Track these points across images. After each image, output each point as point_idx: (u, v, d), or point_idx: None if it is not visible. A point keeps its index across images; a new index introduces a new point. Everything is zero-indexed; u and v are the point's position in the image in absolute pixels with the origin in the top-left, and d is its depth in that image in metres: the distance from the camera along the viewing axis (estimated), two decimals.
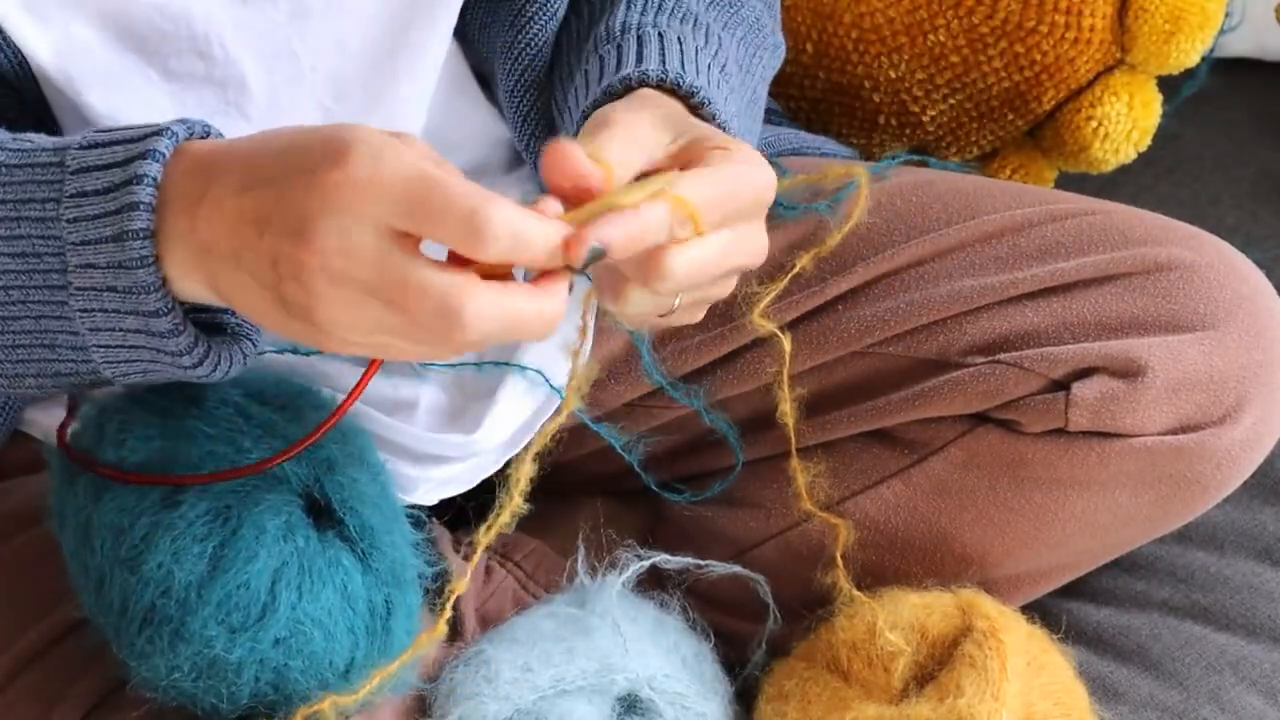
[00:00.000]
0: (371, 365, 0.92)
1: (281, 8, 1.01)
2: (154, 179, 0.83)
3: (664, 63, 0.97)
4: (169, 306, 0.85)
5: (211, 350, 0.88)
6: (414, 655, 0.91)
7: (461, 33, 1.12)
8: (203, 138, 0.86)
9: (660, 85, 0.96)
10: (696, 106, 0.96)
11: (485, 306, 0.78)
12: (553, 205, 0.81)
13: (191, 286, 0.85)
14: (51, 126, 1.01)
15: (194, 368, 0.88)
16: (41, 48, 0.97)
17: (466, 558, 1.18)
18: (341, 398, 1.02)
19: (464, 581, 0.88)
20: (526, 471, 0.87)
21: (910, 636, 1.07)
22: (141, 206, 0.83)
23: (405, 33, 1.05)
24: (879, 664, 1.07)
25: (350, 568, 0.96)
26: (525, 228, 0.78)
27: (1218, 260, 1.12)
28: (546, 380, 1.12)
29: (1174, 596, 1.21)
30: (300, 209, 0.79)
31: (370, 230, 0.78)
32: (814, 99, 1.47)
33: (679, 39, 1.01)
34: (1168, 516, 1.13)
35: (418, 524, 1.03)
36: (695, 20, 1.05)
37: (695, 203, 0.83)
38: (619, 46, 1.00)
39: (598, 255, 0.80)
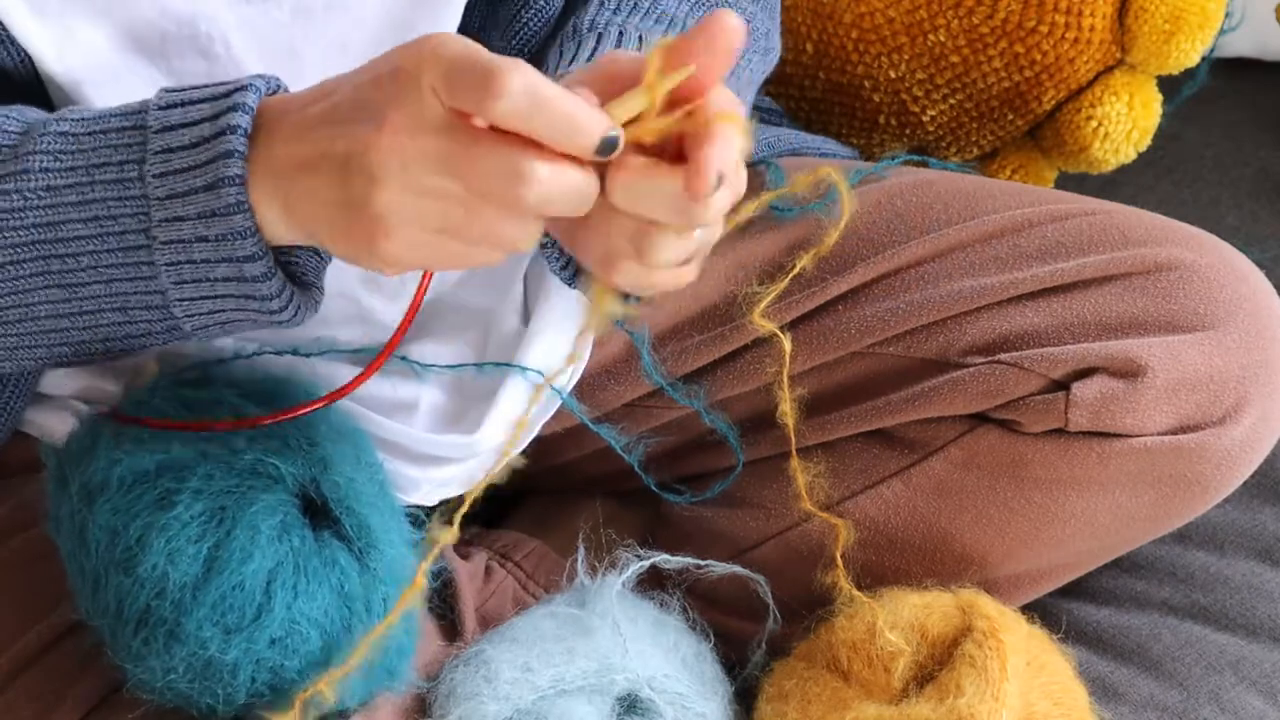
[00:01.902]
0: (393, 337, 0.92)
1: (284, 7, 1.01)
2: (245, 130, 0.85)
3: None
4: (262, 251, 0.87)
5: (295, 295, 0.90)
6: (401, 612, 0.90)
7: (463, 32, 1.12)
8: (273, 92, 0.88)
9: None
10: None
11: (548, 163, 0.79)
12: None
13: (272, 227, 0.86)
14: None
15: (280, 311, 0.89)
16: (45, 47, 0.97)
17: (465, 558, 1.18)
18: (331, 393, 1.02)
19: (451, 532, 0.87)
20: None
21: (910, 636, 1.07)
22: (236, 155, 0.85)
23: (408, 32, 1.04)
24: (879, 664, 1.07)
25: (347, 567, 0.96)
26: (543, 91, 0.79)
27: (1218, 260, 1.12)
28: (546, 381, 1.12)
29: (1174, 596, 1.21)
30: (373, 101, 0.81)
31: (436, 103, 0.80)
32: (814, 99, 1.47)
33: (640, 37, 1.01)
34: (1168, 516, 1.13)
35: (417, 524, 1.03)
36: (671, 20, 1.05)
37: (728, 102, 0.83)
38: (578, 43, 1.01)
39: (612, 145, 0.80)
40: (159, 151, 0.87)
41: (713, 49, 0.81)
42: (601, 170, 0.82)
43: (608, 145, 0.80)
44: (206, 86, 0.88)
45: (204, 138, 0.86)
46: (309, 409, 0.98)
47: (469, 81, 0.79)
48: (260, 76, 0.88)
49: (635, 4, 1.04)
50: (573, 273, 0.99)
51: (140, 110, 0.88)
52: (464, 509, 0.88)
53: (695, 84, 0.82)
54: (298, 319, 0.91)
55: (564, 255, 0.98)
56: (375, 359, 0.98)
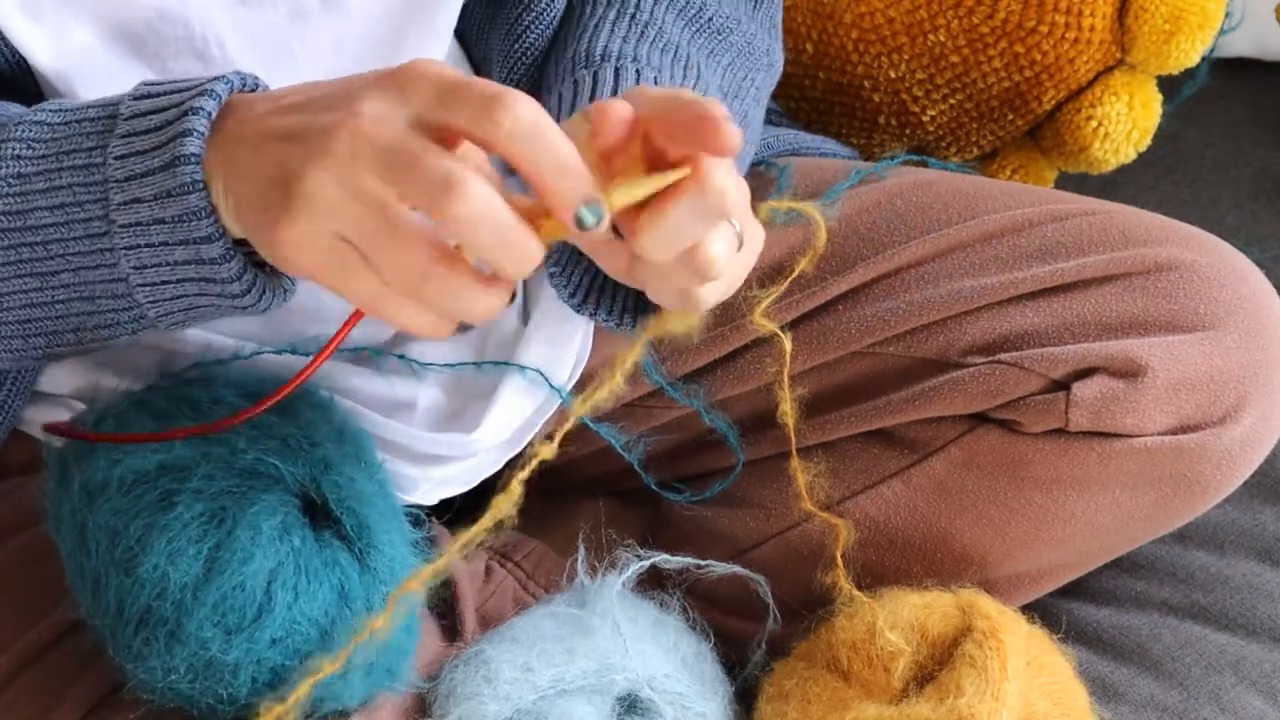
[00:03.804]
0: (355, 313, 0.91)
1: (280, 9, 1.01)
2: (208, 112, 0.85)
3: None
4: (219, 232, 0.85)
5: (258, 279, 0.88)
6: (393, 613, 0.90)
7: (462, 34, 1.12)
8: (252, 89, 0.88)
9: None
10: None
11: (485, 190, 0.78)
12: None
13: (227, 213, 0.85)
14: None
15: (242, 295, 0.88)
16: (40, 49, 0.97)
17: (466, 558, 1.18)
18: (339, 398, 1.02)
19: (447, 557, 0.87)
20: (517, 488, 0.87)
21: (910, 636, 1.07)
22: (194, 134, 0.84)
23: (404, 34, 1.05)
24: (879, 664, 1.07)
25: (347, 567, 0.96)
26: (545, 125, 0.78)
27: (1218, 260, 1.12)
28: (546, 380, 1.12)
29: (1174, 596, 1.21)
30: (354, 90, 0.81)
31: (406, 114, 0.79)
32: (814, 99, 1.47)
33: (655, 77, 1.01)
34: (1168, 516, 1.13)
35: (417, 523, 1.03)
36: (675, 51, 1.05)
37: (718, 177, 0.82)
38: (595, 75, 1.00)
39: (596, 219, 0.78)
40: (124, 135, 0.86)
41: (694, 136, 0.81)
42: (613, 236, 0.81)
43: (590, 217, 0.78)
44: (185, 79, 0.87)
45: (168, 121, 0.85)
46: (270, 401, 0.95)
47: (472, 96, 0.78)
48: (239, 73, 0.87)
49: (642, 33, 1.05)
50: (581, 300, 0.99)
51: (117, 101, 0.88)
52: (477, 529, 0.88)
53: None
54: (262, 305, 0.89)
55: (572, 284, 0.98)
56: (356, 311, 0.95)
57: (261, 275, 0.89)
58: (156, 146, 0.85)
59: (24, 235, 0.88)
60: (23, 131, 0.88)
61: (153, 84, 0.88)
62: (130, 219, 0.86)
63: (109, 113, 0.87)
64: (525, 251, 0.79)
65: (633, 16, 1.06)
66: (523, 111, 0.78)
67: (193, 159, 0.84)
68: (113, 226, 0.86)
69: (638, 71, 1.01)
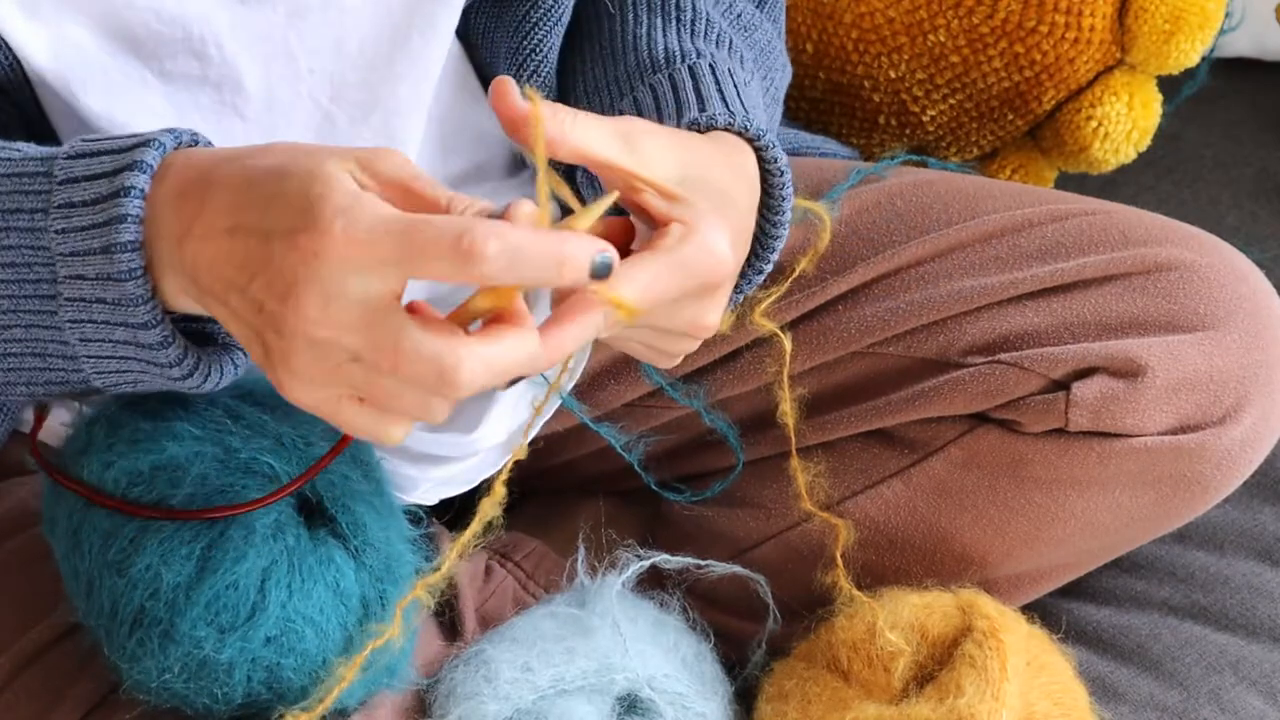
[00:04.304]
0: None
1: (279, 8, 1.01)
2: (141, 190, 0.83)
3: (725, 103, 0.96)
4: (158, 319, 0.84)
5: (202, 361, 0.87)
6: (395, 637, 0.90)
7: (464, 35, 1.12)
8: (191, 145, 0.86)
9: (728, 129, 0.95)
10: (759, 150, 0.95)
11: (478, 362, 0.77)
12: (525, 206, 0.80)
13: (183, 302, 0.85)
14: (46, 130, 1.01)
15: (184, 379, 0.87)
16: (37, 49, 0.97)
17: (466, 558, 1.18)
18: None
19: (445, 570, 0.87)
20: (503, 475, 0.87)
21: (910, 636, 1.07)
22: (129, 219, 0.82)
23: (405, 34, 1.05)
24: (879, 664, 1.07)
25: (342, 564, 0.96)
26: (518, 242, 0.76)
27: (1218, 260, 1.12)
28: (547, 380, 1.12)
29: (1174, 596, 1.21)
30: (285, 272, 0.78)
31: (354, 296, 0.77)
32: (814, 99, 1.47)
33: (730, 70, 1.00)
34: (1168, 516, 1.13)
35: (416, 521, 1.03)
36: (729, 44, 1.04)
37: (632, 297, 0.82)
38: (671, 79, 0.99)
39: (606, 267, 0.78)
40: (60, 206, 0.84)
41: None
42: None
43: (602, 269, 0.78)
44: (116, 138, 0.85)
45: (101, 195, 0.83)
46: (306, 479, 0.96)
47: (439, 253, 0.76)
48: (170, 131, 0.85)
49: (692, 28, 1.04)
50: None
51: (52, 157, 0.86)
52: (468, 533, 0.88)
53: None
54: (206, 385, 0.88)
55: None
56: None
57: (207, 353, 0.88)
58: (93, 225, 0.83)
59: None
60: None
61: (86, 140, 0.86)
62: (75, 294, 0.85)
63: (45, 169, 0.85)
64: (533, 361, 0.80)
65: (678, 12, 1.05)
66: (494, 249, 0.76)
67: (129, 246, 0.82)
68: (60, 297, 0.85)
69: (712, 66, 1.00)
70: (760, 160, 0.95)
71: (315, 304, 0.77)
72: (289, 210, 0.78)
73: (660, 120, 0.97)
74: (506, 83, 0.81)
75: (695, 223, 0.86)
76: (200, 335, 0.89)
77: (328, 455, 0.95)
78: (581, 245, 0.78)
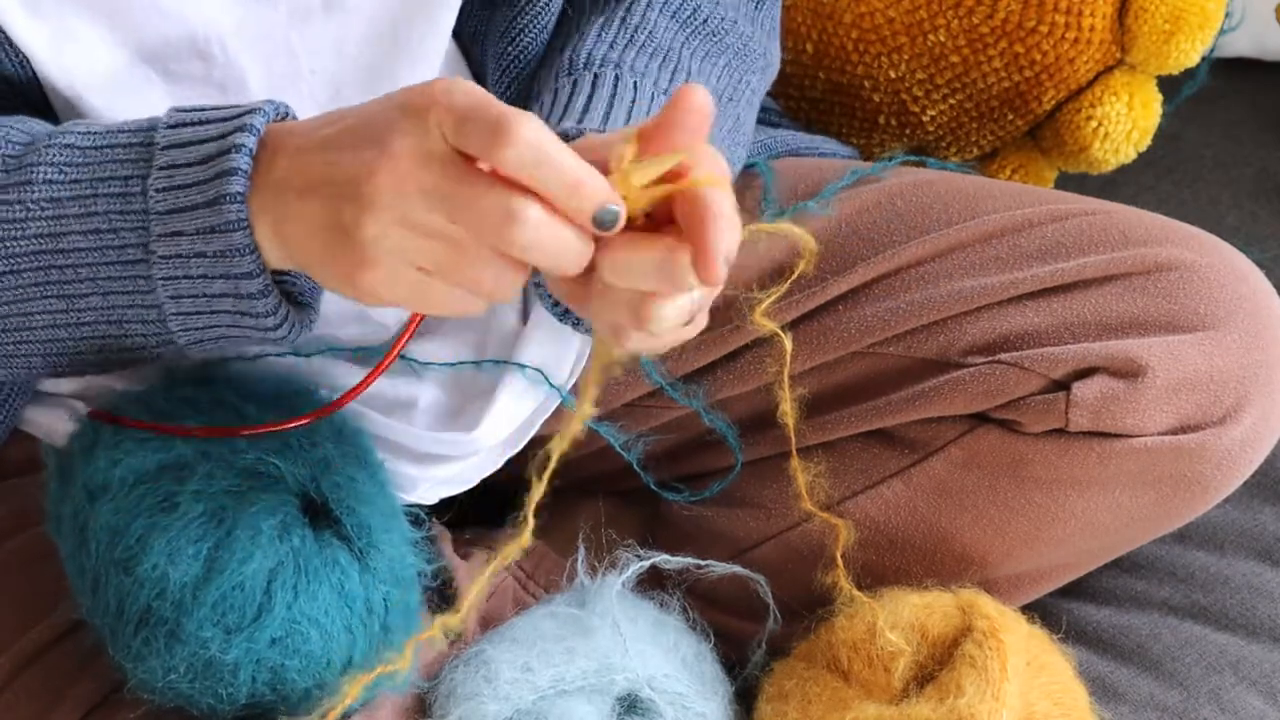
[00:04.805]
0: (398, 340, 0.95)
1: (281, 9, 1.01)
2: (250, 149, 0.86)
3: (606, 116, 0.99)
4: (260, 268, 0.87)
5: (290, 313, 0.91)
6: (411, 651, 0.91)
7: (459, 35, 1.12)
8: (282, 118, 0.89)
9: None
10: None
11: (537, 211, 0.80)
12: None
13: (264, 235, 0.87)
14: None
15: (275, 328, 0.90)
16: (43, 49, 0.97)
17: (465, 557, 1.18)
18: (336, 399, 1.02)
19: (472, 596, 0.88)
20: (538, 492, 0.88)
21: (910, 636, 1.07)
22: (239, 172, 0.86)
23: (405, 34, 1.05)
24: (879, 664, 1.07)
25: (347, 566, 0.96)
26: (549, 147, 0.79)
27: (1218, 260, 1.12)
28: (546, 379, 1.12)
29: (1174, 596, 1.21)
30: (379, 126, 0.82)
31: (441, 140, 0.81)
32: (814, 99, 1.47)
33: (635, 82, 1.01)
34: (1168, 516, 1.13)
35: (417, 522, 1.03)
36: (665, 55, 1.05)
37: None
38: (575, 83, 1.02)
39: (612, 218, 0.81)
40: (164, 167, 0.88)
41: (684, 128, 0.82)
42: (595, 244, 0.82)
43: (607, 217, 0.81)
44: (218, 108, 0.89)
45: (209, 155, 0.87)
46: (308, 419, 0.98)
47: (479, 125, 0.80)
48: (270, 102, 0.89)
49: (631, 38, 1.05)
50: (563, 310, 0.99)
51: (149, 128, 0.89)
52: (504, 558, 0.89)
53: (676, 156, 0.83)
54: (291, 337, 0.92)
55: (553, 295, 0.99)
56: (374, 369, 0.98)
57: (292, 309, 0.91)
58: (200, 182, 0.87)
59: (55, 258, 0.89)
60: (53, 155, 0.89)
61: (186, 111, 0.89)
62: (170, 250, 0.88)
63: (144, 139, 0.89)
64: (581, 252, 0.82)
65: (623, 20, 1.07)
66: (526, 138, 0.79)
67: (238, 197, 0.86)
68: (152, 256, 0.88)
69: (616, 77, 1.02)
70: None
71: (410, 140, 0.81)
72: (389, 99, 0.83)
73: (542, 111, 1.00)
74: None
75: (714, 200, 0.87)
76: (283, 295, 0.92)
77: (405, 332, 0.97)
78: (600, 186, 0.80)
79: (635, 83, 1.02)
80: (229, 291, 0.88)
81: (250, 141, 0.86)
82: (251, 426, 0.97)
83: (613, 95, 1.01)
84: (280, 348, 0.93)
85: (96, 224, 0.88)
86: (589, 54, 1.04)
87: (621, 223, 0.81)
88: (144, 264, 0.88)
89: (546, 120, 0.98)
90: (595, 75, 1.02)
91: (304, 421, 0.98)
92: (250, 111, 0.88)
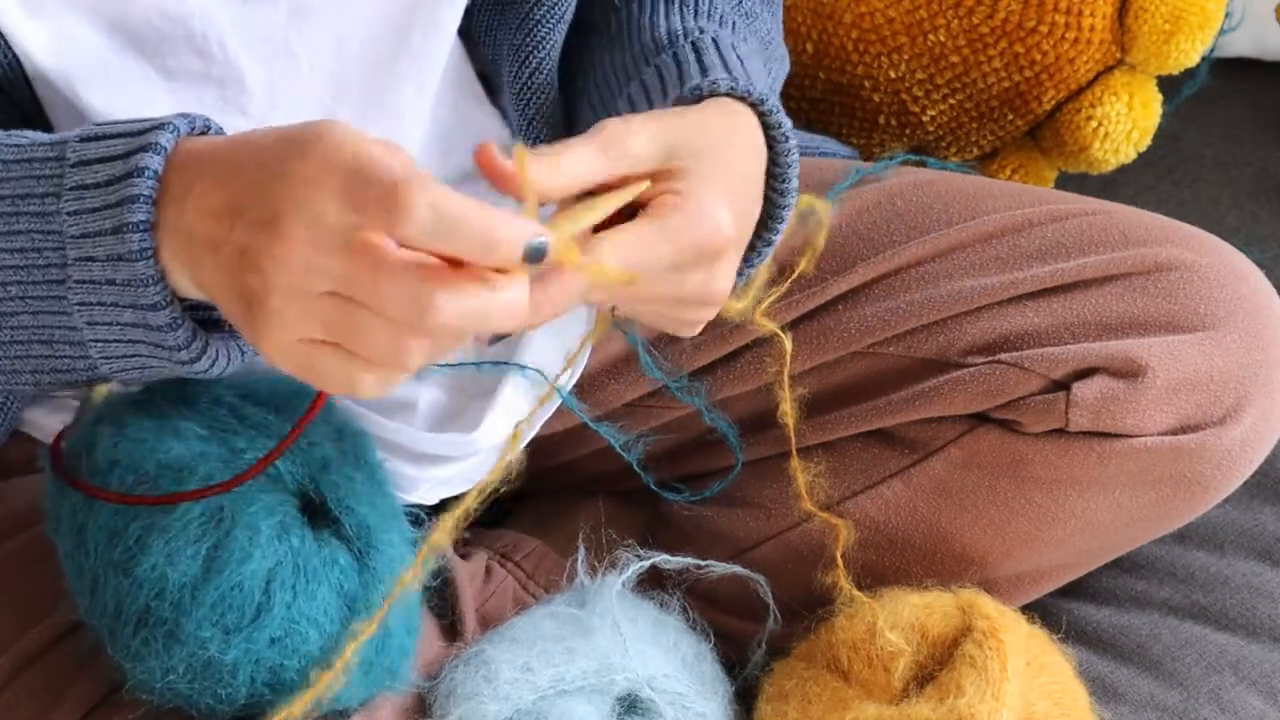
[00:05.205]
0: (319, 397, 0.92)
1: (281, 6, 1.01)
2: (155, 172, 0.83)
3: (728, 69, 0.96)
4: (167, 300, 0.85)
5: (209, 346, 0.88)
6: (397, 597, 0.90)
7: (466, 33, 1.12)
8: (203, 133, 0.86)
9: (730, 95, 0.95)
10: (762, 115, 0.95)
11: (458, 294, 0.77)
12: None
13: (181, 279, 0.85)
14: (43, 127, 1.01)
15: (191, 363, 0.87)
16: (40, 46, 0.97)
17: (465, 558, 1.18)
18: (340, 399, 1.02)
19: (445, 532, 0.87)
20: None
21: (910, 636, 1.07)
22: (141, 199, 0.83)
23: (407, 33, 1.05)
24: (879, 664, 1.07)
25: (346, 566, 0.96)
26: (451, 209, 0.76)
27: (1218, 260, 1.12)
28: (546, 380, 1.12)
29: (1174, 596, 1.21)
30: (271, 201, 0.79)
31: (337, 219, 0.78)
32: (814, 99, 1.47)
33: (733, 45, 1.00)
34: (1168, 516, 1.13)
35: (417, 522, 1.03)
36: (734, 26, 1.05)
37: (615, 261, 0.82)
38: (675, 56, 0.99)
39: (539, 251, 0.78)
40: (73, 188, 0.85)
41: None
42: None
43: (534, 255, 0.77)
44: (129, 121, 0.86)
45: (114, 177, 0.84)
46: (282, 449, 0.96)
47: (372, 199, 0.76)
48: (184, 116, 0.85)
49: (697, 7, 1.04)
50: None
51: (63, 141, 0.86)
52: (462, 510, 0.88)
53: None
54: (214, 370, 0.88)
55: None
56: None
57: (214, 338, 0.88)
58: (105, 206, 0.84)
59: None
60: None
61: (101, 125, 0.86)
62: (85, 276, 0.85)
63: (57, 153, 0.86)
64: (510, 311, 0.79)
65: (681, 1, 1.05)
66: (422, 205, 0.76)
67: (140, 226, 0.83)
68: (69, 279, 0.85)
69: (715, 43, 0.99)
70: (765, 125, 0.95)
71: (300, 224, 0.77)
72: (285, 145, 0.79)
73: (665, 94, 0.97)
74: (489, 148, 0.80)
75: (687, 191, 0.86)
76: (207, 323, 0.89)
77: (304, 418, 0.93)
78: (517, 228, 0.77)
79: (733, 44, 1.00)
80: (139, 321, 0.85)
81: (155, 163, 0.83)
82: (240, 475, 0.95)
83: (719, 53, 0.98)
84: (208, 377, 0.89)
85: (21, 242, 0.86)
86: (670, 29, 1.02)
87: (551, 254, 0.78)
88: (62, 285, 0.86)
89: (664, 93, 0.97)
90: (694, 42, 0.99)
91: (203, 495, 0.95)
92: (158, 127, 0.84)
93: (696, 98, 0.94)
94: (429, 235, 0.76)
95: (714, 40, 0.99)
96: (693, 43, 0.99)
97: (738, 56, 0.99)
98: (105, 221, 0.84)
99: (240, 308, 0.81)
